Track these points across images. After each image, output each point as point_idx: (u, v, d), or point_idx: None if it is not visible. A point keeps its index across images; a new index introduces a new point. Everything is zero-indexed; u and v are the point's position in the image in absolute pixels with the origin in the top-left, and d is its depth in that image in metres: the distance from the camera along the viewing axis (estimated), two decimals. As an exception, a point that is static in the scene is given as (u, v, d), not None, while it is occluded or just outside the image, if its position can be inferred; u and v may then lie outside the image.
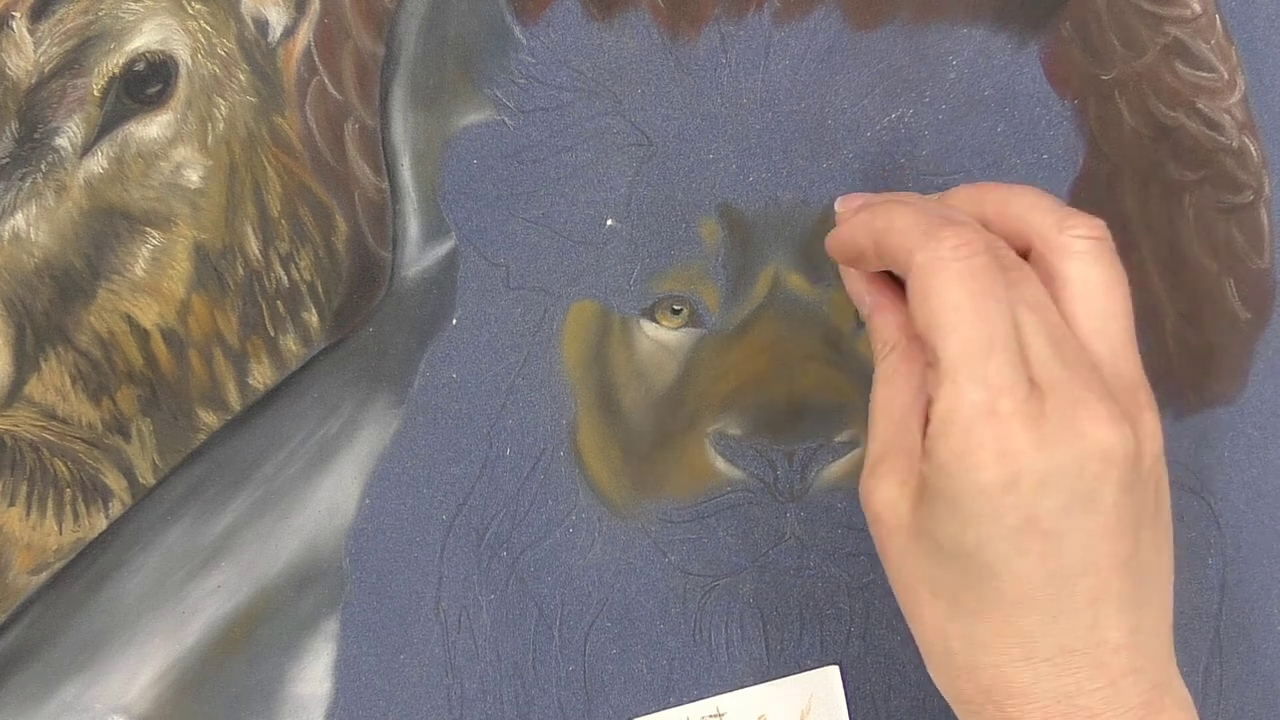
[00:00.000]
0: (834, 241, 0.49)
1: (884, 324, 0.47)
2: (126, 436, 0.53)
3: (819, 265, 0.55)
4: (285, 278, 0.53)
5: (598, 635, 0.56)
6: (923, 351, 0.44)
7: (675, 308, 0.55)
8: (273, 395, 0.54)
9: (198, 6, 0.51)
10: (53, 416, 0.53)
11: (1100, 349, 0.43)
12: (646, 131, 0.54)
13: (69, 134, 0.51)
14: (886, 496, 0.44)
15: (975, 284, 0.42)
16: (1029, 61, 0.55)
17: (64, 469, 0.53)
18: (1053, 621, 0.42)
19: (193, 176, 0.52)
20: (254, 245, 0.53)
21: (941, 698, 0.57)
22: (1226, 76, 0.56)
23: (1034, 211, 0.45)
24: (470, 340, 0.55)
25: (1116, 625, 0.42)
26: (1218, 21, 0.55)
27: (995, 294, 0.42)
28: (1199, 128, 0.56)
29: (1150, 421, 0.43)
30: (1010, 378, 0.41)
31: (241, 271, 0.53)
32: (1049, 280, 0.44)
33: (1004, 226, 0.45)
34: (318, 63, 0.52)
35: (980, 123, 0.55)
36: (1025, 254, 0.45)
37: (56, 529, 0.54)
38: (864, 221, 0.46)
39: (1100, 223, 0.44)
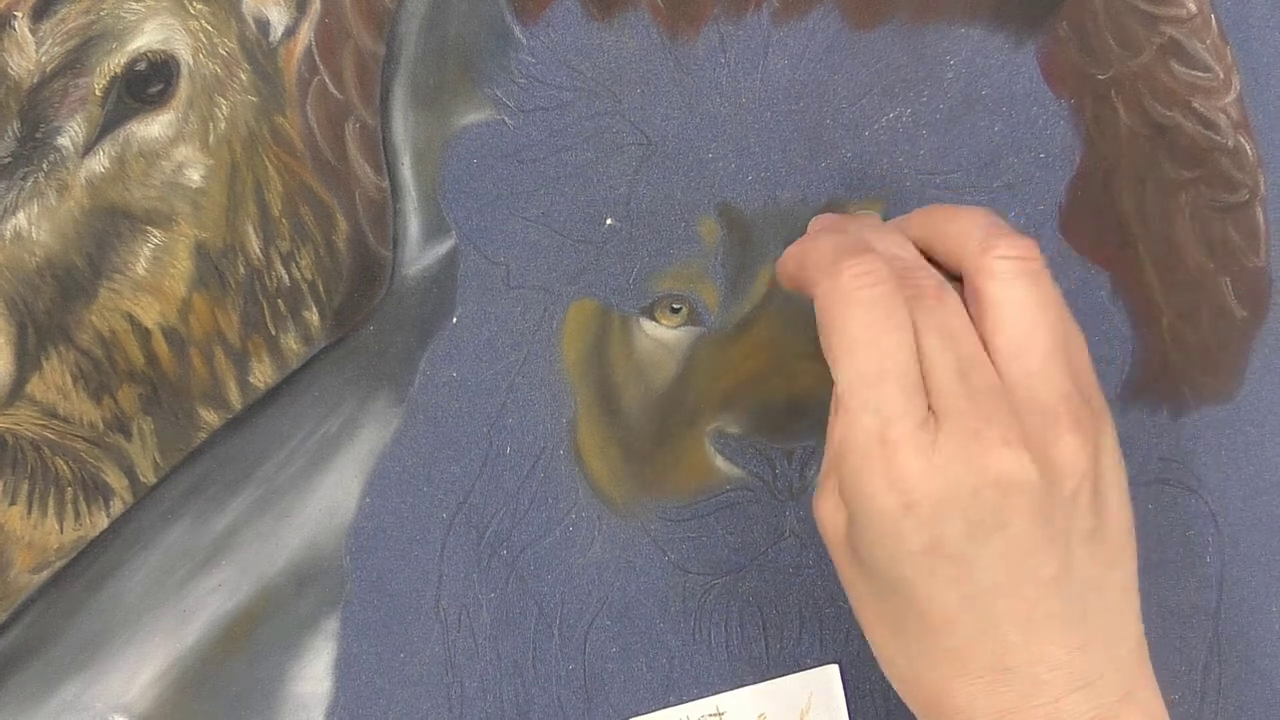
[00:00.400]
0: (776, 270, 0.50)
1: None
2: (128, 435, 0.53)
3: (818, 264, 0.55)
4: (286, 276, 0.53)
5: (598, 634, 0.56)
6: None
7: (675, 306, 0.55)
8: (273, 394, 0.54)
9: (199, 6, 0.52)
10: (54, 415, 0.53)
11: (1015, 372, 0.43)
12: (646, 131, 0.54)
13: (71, 133, 0.51)
14: (827, 511, 0.45)
15: (871, 313, 0.42)
16: (1026, 61, 0.55)
17: (65, 467, 0.53)
18: (978, 640, 0.42)
19: (194, 176, 0.52)
20: (255, 244, 0.53)
21: (941, 695, 0.57)
22: (1222, 76, 0.56)
23: (966, 234, 0.45)
24: (470, 339, 0.55)
25: (1054, 642, 0.42)
26: (1213, 21, 0.55)
27: (893, 323, 0.42)
28: (1195, 127, 0.56)
29: (1070, 444, 0.42)
30: (902, 406, 0.42)
31: (243, 270, 0.53)
32: (974, 302, 0.44)
33: (942, 248, 0.46)
34: (318, 62, 0.53)
35: (978, 122, 0.55)
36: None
37: (57, 528, 0.54)
38: (792, 253, 0.47)
39: (1029, 243, 0.44)
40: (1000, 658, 0.42)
